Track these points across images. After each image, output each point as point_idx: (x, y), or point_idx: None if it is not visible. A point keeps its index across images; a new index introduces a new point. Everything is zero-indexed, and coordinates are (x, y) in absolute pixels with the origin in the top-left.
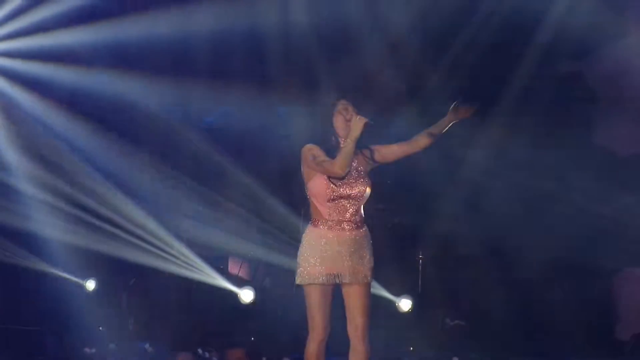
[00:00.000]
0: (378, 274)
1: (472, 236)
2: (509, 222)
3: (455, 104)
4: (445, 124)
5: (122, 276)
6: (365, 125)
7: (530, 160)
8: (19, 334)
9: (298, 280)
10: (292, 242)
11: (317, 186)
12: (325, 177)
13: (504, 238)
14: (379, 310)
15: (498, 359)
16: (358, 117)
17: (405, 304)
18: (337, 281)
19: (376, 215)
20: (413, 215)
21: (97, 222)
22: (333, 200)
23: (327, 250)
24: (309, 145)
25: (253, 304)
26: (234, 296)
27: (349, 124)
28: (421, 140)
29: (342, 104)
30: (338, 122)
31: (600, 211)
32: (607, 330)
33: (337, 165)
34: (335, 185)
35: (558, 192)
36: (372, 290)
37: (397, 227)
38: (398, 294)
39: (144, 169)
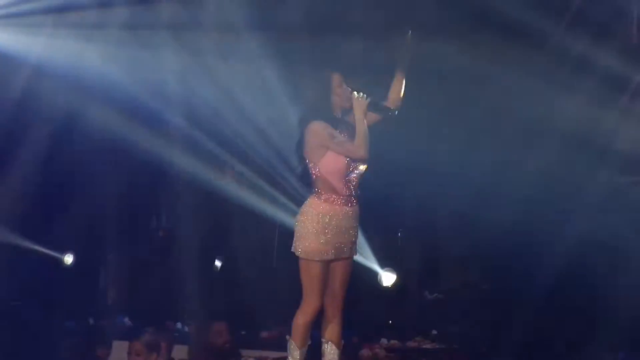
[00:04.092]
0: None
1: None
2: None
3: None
4: (400, 72)
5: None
6: (368, 104)
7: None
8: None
9: (302, 255)
10: None
11: (333, 163)
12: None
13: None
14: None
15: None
16: (359, 95)
17: (388, 278)
18: (341, 257)
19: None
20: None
21: None
22: (347, 176)
23: (336, 226)
24: (320, 123)
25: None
26: (214, 269)
27: (345, 100)
28: (390, 101)
29: (336, 78)
30: (335, 97)
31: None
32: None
33: (362, 148)
34: (354, 162)
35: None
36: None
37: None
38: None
39: None
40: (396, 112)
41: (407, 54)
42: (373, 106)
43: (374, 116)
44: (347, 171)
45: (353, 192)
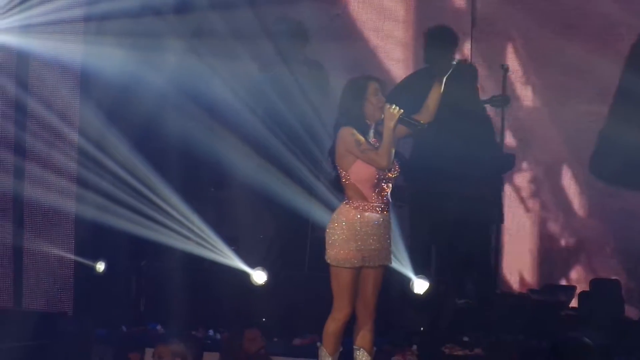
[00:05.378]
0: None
1: None
2: None
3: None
4: (435, 90)
5: (133, 258)
6: (400, 116)
7: None
8: (26, 316)
9: (332, 262)
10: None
11: (363, 171)
12: None
13: None
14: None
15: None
16: (392, 107)
17: (420, 286)
18: (371, 264)
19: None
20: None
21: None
22: (377, 184)
23: (367, 234)
24: (349, 129)
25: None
26: (246, 277)
27: (378, 109)
28: (423, 115)
29: (372, 87)
30: (369, 105)
31: None
32: None
33: (385, 158)
34: (384, 171)
35: None
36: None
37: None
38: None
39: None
40: (426, 125)
41: (448, 71)
42: (404, 119)
43: (404, 129)
44: (378, 179)
45: (384, 199)
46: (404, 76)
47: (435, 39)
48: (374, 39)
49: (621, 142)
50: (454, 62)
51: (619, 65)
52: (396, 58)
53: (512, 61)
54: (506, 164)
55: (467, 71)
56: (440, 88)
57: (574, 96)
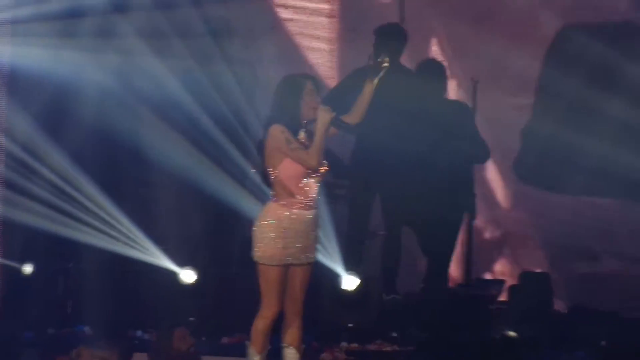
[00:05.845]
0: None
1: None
2: None
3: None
4: (367, 91)
5: (60, 259)
6: (332, 119)
7: None
8: None
9: (260, 260)
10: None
11: (292, 168)
12: None
13: None
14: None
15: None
16: (325, 108)
17: (350, 282)
18: (298, 262)
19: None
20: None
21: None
22: (305, 181)
23: (294, 231)
24: (280, 127)
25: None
26: (174, 276)
27: (312, 109)
28: (352, 117)
29: (309, 86)
30: (304, 104)
31: None
32: None
33: (315, 158)
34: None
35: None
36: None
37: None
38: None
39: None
40: (354, 127)
41: (380, 75)
42: (335, 121)
43: (333, 130)
44: (306, 176)
45: (312, 196)
46: (329, 72)
47: (383, 37)
48: (300, 36)
49: (537, 142)
50: (385, 65)
51: (539, 60)
52: (322, 54)
53: (436, 55)
54: (480, 155)
55: (436, 68)
56: (371, 89)
57: (497, 90)
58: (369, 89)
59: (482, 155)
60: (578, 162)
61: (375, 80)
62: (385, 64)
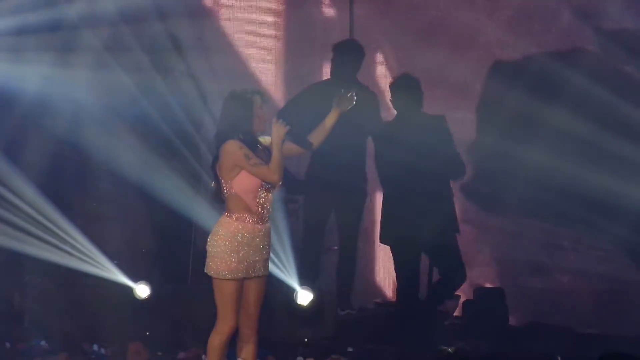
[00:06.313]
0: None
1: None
2: None
3: (339, 96)
4: (332, 118)
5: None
6: (286, 133)
7: None
8: None
9: (214, 274)
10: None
11: (247, 182)
12: None
13: None
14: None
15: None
16: (278, 122)
17: (304, 297)
18: (252, 275)
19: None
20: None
21: None
22: (259, 195)
23: (248, 244)
24: (236, 143)
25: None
26: (129, 291)
27: (263, 122)
28: (314, 138)
29: (258, 100)
30: (256, 119)
31: None
32: None
33: (276, 173)
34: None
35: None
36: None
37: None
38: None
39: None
40: (313, 147)
41: (348, 107)
42: (292, 135)
43: (294, 147)
44: (260, 190)
45: (266, 210)
46: (273, 84)
47: (341, 54)
48: (246, 50)
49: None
50: (354, 101)
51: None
52: (267, 67)
53: (381, 71)
54: (456, 172)
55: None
56: (335, 120)
57: (445, 105)
58: (332, 119)
59: (459, 172)
60: (519, 175)
61: (340, 113)
62: (354, 101)
